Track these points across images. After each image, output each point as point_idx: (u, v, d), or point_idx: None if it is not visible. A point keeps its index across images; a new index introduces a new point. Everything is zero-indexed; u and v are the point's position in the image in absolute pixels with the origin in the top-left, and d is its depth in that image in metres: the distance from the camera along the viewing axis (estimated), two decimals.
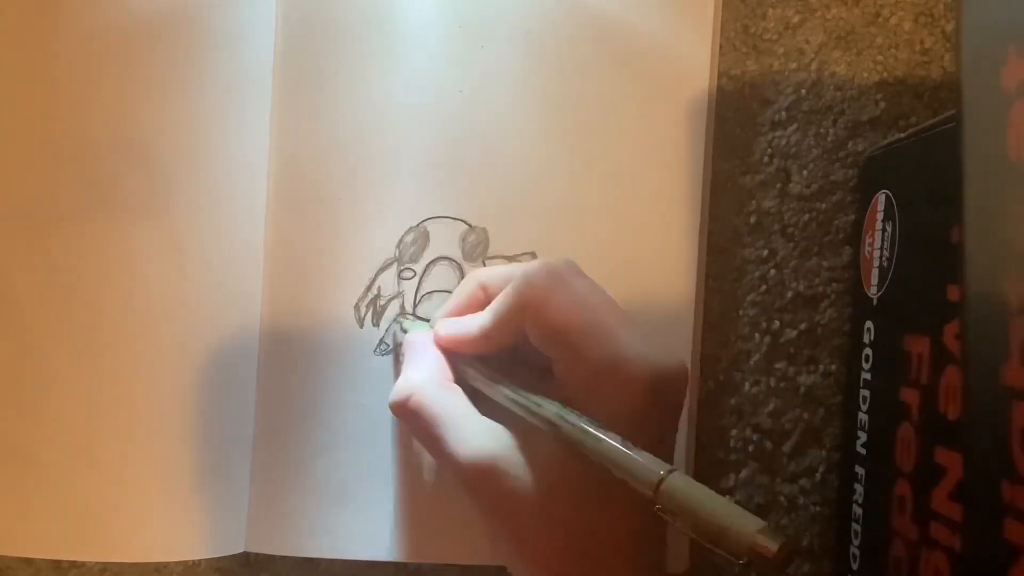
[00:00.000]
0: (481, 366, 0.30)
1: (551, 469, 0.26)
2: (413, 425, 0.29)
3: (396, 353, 0.33)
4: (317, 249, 0.34)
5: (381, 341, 0.34)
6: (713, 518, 0.22)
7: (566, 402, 0.27)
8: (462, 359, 0.31)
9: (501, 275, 0.31)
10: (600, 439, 0.25)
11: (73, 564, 0.35)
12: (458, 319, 0.31)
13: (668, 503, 0.23)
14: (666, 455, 0.26)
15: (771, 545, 0.21)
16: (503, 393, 0.29)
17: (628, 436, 0.25)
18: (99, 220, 0.34)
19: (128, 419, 0.34)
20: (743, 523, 0.22)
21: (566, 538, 0.26)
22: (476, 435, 0.27)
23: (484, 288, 0.31)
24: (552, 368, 0.28)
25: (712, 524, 0.22)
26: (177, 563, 0.35)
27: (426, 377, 0.30)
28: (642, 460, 0.24)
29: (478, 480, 0.27)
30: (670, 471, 0.23)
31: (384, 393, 0.34)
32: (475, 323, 0.30)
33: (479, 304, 0.31)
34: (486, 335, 0.29)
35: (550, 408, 0.27)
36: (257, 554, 0.34)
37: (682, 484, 0.23)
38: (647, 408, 0.26)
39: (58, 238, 0.34)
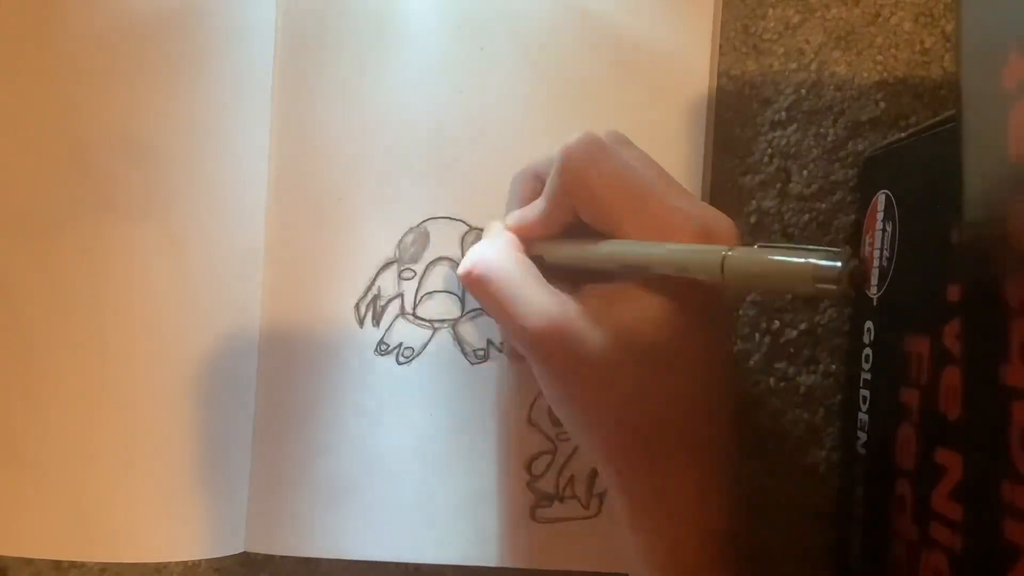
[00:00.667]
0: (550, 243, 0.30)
1: (620, 336, 0.26)
2: (480, 293, 0.29)
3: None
4: (317, 249, 0.34)
5: (381, 341, 0.34)
6: (777, 267, 0.22)
7: None
8: (534, 245, 0.30)
9: (549, 160, 0.30)
10: (657, 244, 0.25)
11: (73, 564, 0.35)
12: (520, 210, 0.31)
13: (736, 276, 0.23)
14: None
15: (832, 265, 0.21)
16: (566, 252, 0.29)
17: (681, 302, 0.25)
18: (99, 220, 0.34)
19: (128, 419, 0.34)
20: (805, 257, 0.21)
21: (627, 407, 0.26)
22: (544, 301, 0.27)
23: (537, 176, 0.31)
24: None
25: (779, 273, 0.22)
26: (177, 563, 0.35)
27: (494, 248, 0.29)
28: (699, 249, 0.24)
29: (546, 344, 0.26)
30: (728, 249, 0.23)
31: (384, 393, 0.34)
32: (534, 210, 0.30)
33: (538, 193, 0.31)
34: (545, 219, 0.29)
35: (608, 245, 0.27)
36: (257, 554, 0.34)
37: (741, 253, 0.23)
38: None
39: (58, 238, 0.34)
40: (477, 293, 0.29)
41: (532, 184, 0.31)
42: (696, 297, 0.26)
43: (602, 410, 0.26)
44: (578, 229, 0.29)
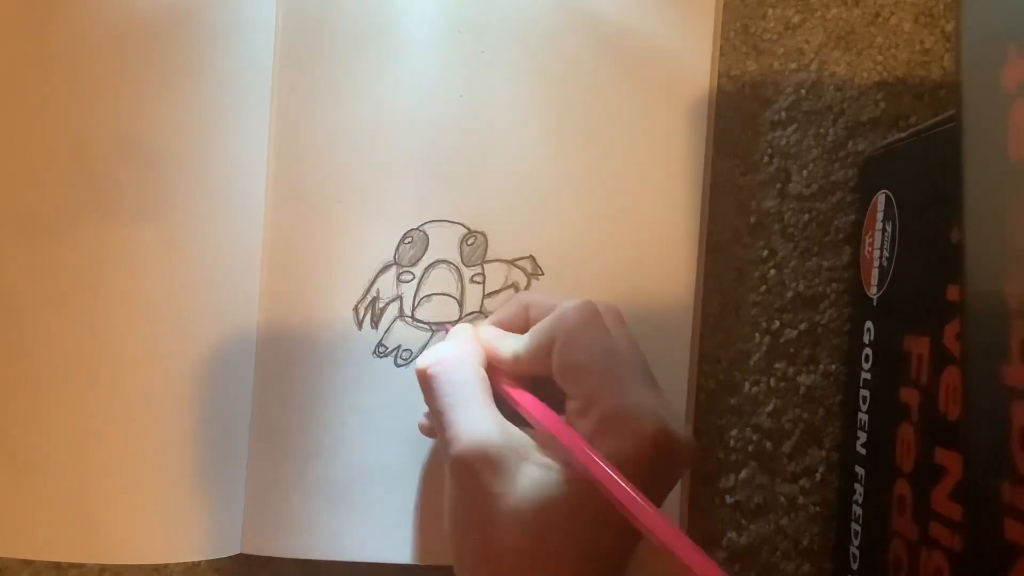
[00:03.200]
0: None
1: (543, 490, 0.25)
2: (427, 392, 0.29)
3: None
4: (316, 251, 0.34)
5: (380, 343, 0.34)
6: None
7: None
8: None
9: (544, 303, 0.31)
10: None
11: (73, 565, 0.35)
12: (498, 332, 0.31)
13: None
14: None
15: None
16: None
17: None
18: (97, 221, 0.34)
19: (126, 421, 0.34)
20: None
21: (518, 556, 0.25)
22: (483, 422, 0.27)
23: (528, 310, 0.31)
24: (567, 407, 0.28)
25: None
26: (177, 564, 0.35)
27: (456, 353, 0.30)
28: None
29: (467, 466, 0.26)
30: None
31: (382, 395, 0.34)
32: (509, 345, 0.30)
33: (520, 324, 0.31)
34: (516, 359, 0.29)
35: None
36: (256, 555, 0.34)
37: None
38: (648, 464, 0.26)
39: (56, 238, 0.34)
40: (425, 389, 0.29)
41: (519, 311, 0.32)
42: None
43: (490, 553, 0.26)
44: (544, 385, 0.29)
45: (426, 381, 0.29)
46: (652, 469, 0.26)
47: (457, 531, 0.27)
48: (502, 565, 0.26)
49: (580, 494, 0.25)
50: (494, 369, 0.30)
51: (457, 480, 0.27)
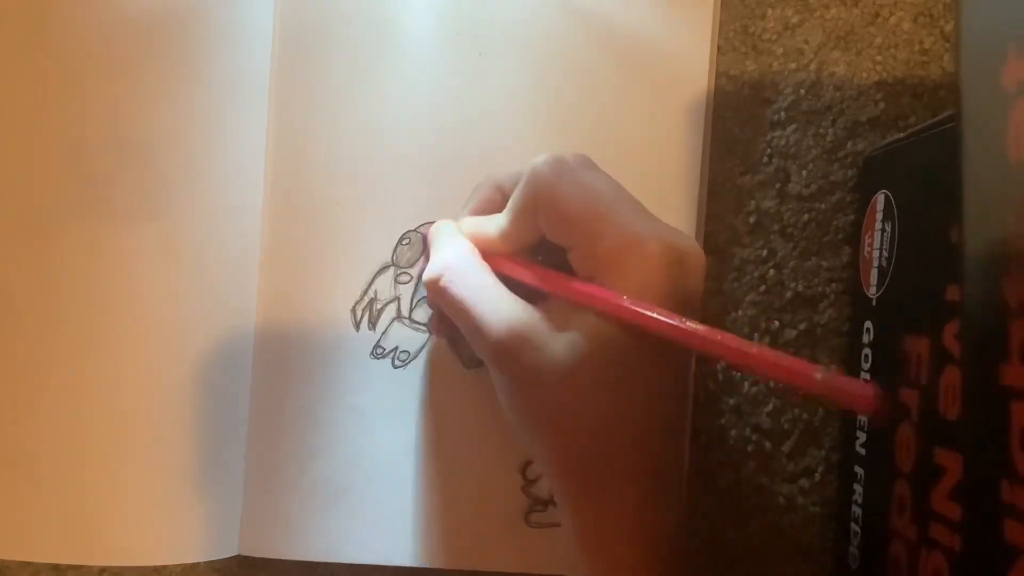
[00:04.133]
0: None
1: (578, 350, 0.26)
2: (446, 301, 0.29)
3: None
4: (313, 252, 0.34)
5: (377, 345, 0.34)
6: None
7: None
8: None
9: (514, 175, 0.30)
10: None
11: (72, 566, 0.35)
12: (477, 219, 0.31)
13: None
14: None
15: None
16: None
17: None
18: (95, 222, 0.34)
19: (124, 422, 0.34)
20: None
21: (579, 422, 0.26)
22: (508, 309, 0.27)
23: (500, 188, 0.31)
24: (570, 259, 0.28)
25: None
26: (176, 564, 0.35)
27: (456, 255, 0.30)
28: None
29: (508, 352, 0.26)
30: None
31: (380, 396, 0.34)
32: (493, 224, 0.30)
33: (496, 206, 0.31)
34: (504, 236, 0.29)
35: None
36: (255, 556, 0.34)
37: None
38: (669, 283, 0.26)
39: (53, 239, 0.34)
40: (442, 300, 0.29)
41: (492, 195, 0.31)
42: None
43: (555, 424, 0.26)
44: (534, 250, 0.29)
45: (439, 291, 0.29)
46: (669, 288, 0.26)
47: (518, 415, 0.28)
48: (572, 429, 0.26)
49: (615, 342, 0.26)
50: (486, 255, 0.30)
51: (500, 367, 0.27)
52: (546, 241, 0.28)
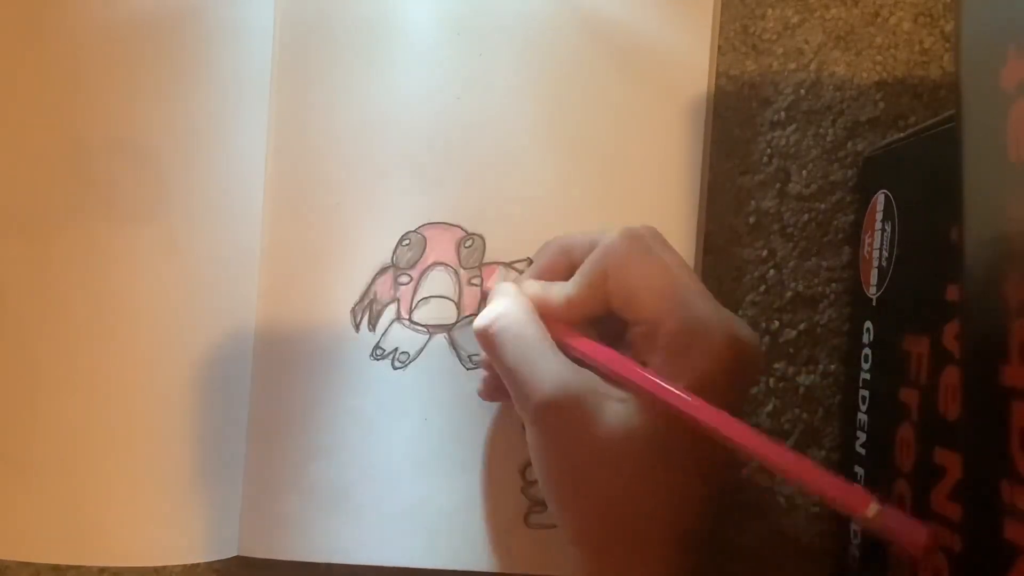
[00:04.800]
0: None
1: (633, 421, 0.26)
2: (495, 352, 0.28)
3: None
4: (313, 253, 0.34)
5: (377, 346, 0.34)
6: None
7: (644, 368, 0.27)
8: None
9: (584, 242, 0.30)
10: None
11: (72, 566, 0.35)
12: (543, 284, 0.30)
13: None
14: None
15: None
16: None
17: (708, 402, 0.25)
18: (95, 222, 0.34)
19: (124, 422, 0.34)
20: None
21: (620, 494, 0.26)
22: (562, 367, 0.27)
23: (567, 254, 0.31)
24: (631, 335, 0.28)
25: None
26: (174, 565, 0.35)
27: (513, 306, 0.29)
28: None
29: (559, 411, 0.26)
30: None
31: (379, 397, 0.34)
32: (561, 292, 0.29)
33: (562, 270, 0.30)
34: (569, 304, 0.29)
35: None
36: (255, 557, 0.34)
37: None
38: (728, 375, 0.26)
39: (53, 239, 0.34)
40: (490, 350, 0.29)
41: (558, 259, 0.31)
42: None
43: (592, 493, 0.26)
44: (596, 323, 0.29)
45: (489, 340, 0.28)
46: (729, 379, 0.26)
47: (551, 480, 0.27)
48: (608, 501, 0.26)
49: (664, 420, 0.25)
50: (544, 321, 0.29)
51: (543, 429, 0.27)
52: (606, 313, 0.28)
